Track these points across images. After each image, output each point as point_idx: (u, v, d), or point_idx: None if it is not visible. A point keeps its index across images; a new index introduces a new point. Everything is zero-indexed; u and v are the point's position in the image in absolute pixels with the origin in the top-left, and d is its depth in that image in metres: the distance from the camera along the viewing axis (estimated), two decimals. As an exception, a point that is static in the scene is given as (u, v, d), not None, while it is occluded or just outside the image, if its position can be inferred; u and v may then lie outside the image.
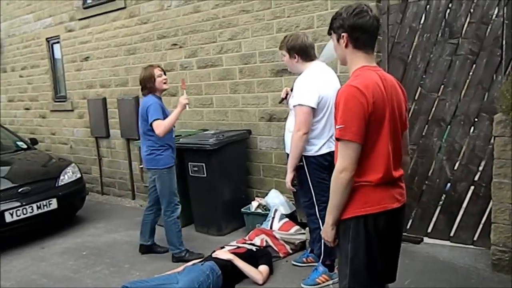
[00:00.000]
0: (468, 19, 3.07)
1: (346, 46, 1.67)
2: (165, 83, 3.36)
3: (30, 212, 3.99)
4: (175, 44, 4.71)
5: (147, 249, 3.62)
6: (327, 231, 1.71)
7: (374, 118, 1.58)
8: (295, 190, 2.90)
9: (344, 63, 1.77)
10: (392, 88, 1.68)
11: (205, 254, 3.20)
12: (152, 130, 3.22)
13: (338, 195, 1.61)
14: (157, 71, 3.32)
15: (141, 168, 5.20)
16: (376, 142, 1.60)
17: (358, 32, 1.63)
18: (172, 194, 3.36)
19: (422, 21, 3.24)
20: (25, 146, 5.26)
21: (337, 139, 1.61)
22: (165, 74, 3.40)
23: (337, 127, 1.60)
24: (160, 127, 3.18)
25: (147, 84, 3.32)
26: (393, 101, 1.65)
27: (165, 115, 3.28)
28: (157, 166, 3.32)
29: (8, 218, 3.84)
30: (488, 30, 2.99)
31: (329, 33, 1.76)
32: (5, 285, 3.27)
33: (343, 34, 1.66)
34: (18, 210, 3.92)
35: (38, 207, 4.05)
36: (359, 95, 1.55)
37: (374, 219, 1.64)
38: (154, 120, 3.20)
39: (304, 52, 2.77)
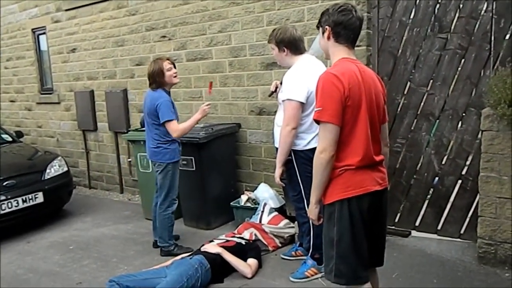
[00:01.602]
0: (457, 14, 3.08)
1: (328, 38, 1.83)
2: (175, 76, 3.28)
3: (16, 206, 3.92)
4: (164, 36, 4.64)
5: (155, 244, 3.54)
6: (311, 210, 1.85)
7: (350, 103, 1.69)
8: (284, 185, 2.89)
9: (327, 56, 1.92)
10: (370, 80, 1.80)
11: (194, 248, 3.18)
12: (161, 125, 3.18)
13: (319, 175, 1.73)
14: (166, 64, 3.22)
15: (130, 161, 5.15)
16: (354, 128, 1.72)
17: (339, 27, 1.79)
18: (172, 189, 3.32)
19: (412, 15, 3.24)
20: (10, 139, 5.16)
21: (316, 121, 1.73)
22: (175, 67, 3.31)
23: (315, 109, 1.73)
24: (177, 131, 3.16)
25: (156, 78, 3.21)
26: (370, 91, 1.77)
27: (175, 109, 3.27)
28: (162, 159, 3.27)
29: (-8, 212, 3.77)
30: (477, 25, 3.00)
31: (317, 27, 1.91)
32: (-11, 280, 3.21)
33: (326, 27, 1.82)
34: (3, 203, 3.85)
35: (24, 201, 3.98)
36: (336, 80, 1.68)
37: (357, 202, 1.74)
38: (168, 120, 3.14)
39: (293, 45, 2.75)
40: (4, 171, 4.11)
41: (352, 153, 1.72)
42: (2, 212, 3.84)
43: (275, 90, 2.99)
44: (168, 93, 3.31)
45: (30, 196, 4.02)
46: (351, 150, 1.72)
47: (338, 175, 1.74)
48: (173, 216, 3.39)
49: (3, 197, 3.86)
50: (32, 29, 6.17)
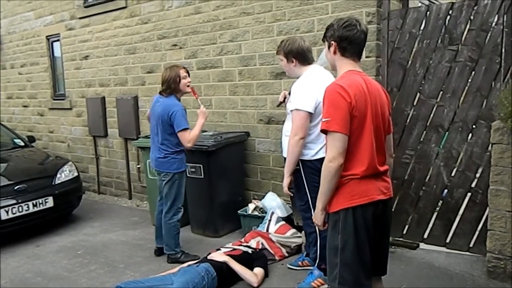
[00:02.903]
0: (468, 26, 3.08)
1: (335, 53, 1.89)
2: (188, 85, 3.31)
3: (26, 210, 3.97)
4: (175, 45, 4.71)
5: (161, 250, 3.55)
6: (317, 216, 1.89)
7: (357, 114, 1.74)
8: (292, 195, 2.90)
9: (333, 68, 1.98)
10: (376, 91, 1.85)
11: (201, 256, 3.18)
12: (173, 134, 3.18)
13: (327, 183, 1.77)
14: (182, 72, 3.26)
15: (139, 168, 5.20)
16: (359, 138, 1.76)
17: (345, 42, 1.85)
18: (178, 198, 3.33)
19: (422, 27, 3.25)
20: (22, 144, 5.24)
21: (324, 132, 1.76)
22: (189, 76, 3.36)
23: (323, 120, 1.77)
24: (191, 141, 3.17)
25: (172, 85, 3.22)
26: (376, 103, 1.82)
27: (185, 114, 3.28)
28: (169, 169, 3.25)
29: (3, 215, 3.82)
30: (488, 37, 3.00)
31: (323, 40, 1.97)
32: (-2, 283, 3.25)
33: (332, 42, 1.88)
34: (14, 207, 3.90)
35: (34, 205, 4.03)
36: (342, 91, 1.73)
37: (361, 210, 1.77)
38: (184, 129, 3.15)
39: (301, 56, 2.78)
40: (16, 175, 4.18)
41: (357, 162, 1.76)
42: (13, 215, 3.89)
43: (284, 100, 3.02)
44: (179, 100, 3.34)
45: (40, 200, 4.08)
46: (357, 160, 1.76)
47: (343, 184, 1.77)
48: (178, 224, 3.40)
49: (14, 201, 3.92)
50: (47, 36, 6.30)
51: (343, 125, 1.70)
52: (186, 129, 3.17)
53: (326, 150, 1.77)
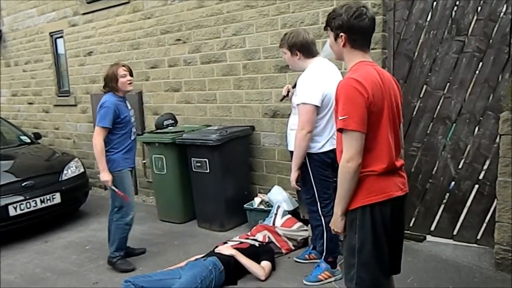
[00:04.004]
0: (475, 16, 3.03)
1: (344, 45, 1.74)
2: (130, 83, 3.17)
3: (34, 206, 4.00)
4: (178, 39, 4.69)
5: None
6: (336, 222, 1.75)
7: (374, 110, 1.63)
8: (299, 189, 2.89)
9: (339, 59, 1.86)
10: (389, 82, 1.76)
11: (208, 250, 3.20)
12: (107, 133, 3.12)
13: (346, 185, 1.65)
14: (121, 71, 3.13)
15: (144, 163, 5.21)
16: (377, 133, 1.66)
17: (357, 34, 1.71)
18: (123, 199, 3.16)
19: (428, 18, 3.21)
20: (28, 141, 5.27)
21: (341, 130, 1.65)
22: (131, 75, 3.20)
23: (339, 118, 1.64)
24: (94, 142, 3.07)
25: (109, 83, 3.14)
26: (390, 94, 1.73)
27: (123, 116, 3.13)
28: (109, 167, 3.12)
29: (12, 212, 3.85)
30: (496, 27, 2.96)
31: (325, 29, 1.82)
32: (9, 278, 3.29)
33: (341, 34, 1.72)
34: (22, 204, 3.93)
35: (42, 201, 4.06)
36: (359, 87, 1.60)
37: (379, 208, 1.69)
38: (100, 127, 3.06)
39: (306, 48, 2.75)
40: (23, 172, 4.21)
41: (376, 159, 1.66)
42: (21, 212, 3.92)
43: (287, 94, 3.00)
44: (122, 98, 3.20)
45: (47, 196, 4.10)
46: (375, 157, 1.66)
47: (360, 181, 1.67)
48: (128, 228, 3.26)
49: (21, 198, 3.94)
50: (50, 33, 6.30)
51: (361, 122, 1.59)
52: (102, 127, 3.06)
53: (339, 150, 1.68)
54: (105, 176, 3.07)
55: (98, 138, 3.10)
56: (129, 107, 3.30)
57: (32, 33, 6.60)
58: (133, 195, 3.29)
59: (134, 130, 3.30)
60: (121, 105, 3.18)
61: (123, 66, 3.21)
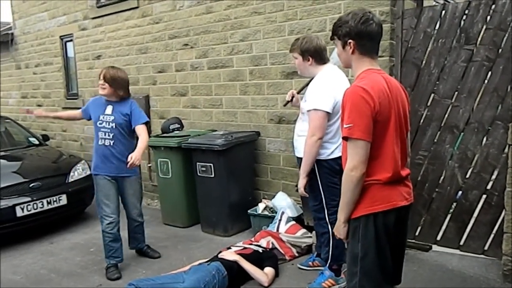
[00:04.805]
0: (485, 25, 3.02)
1: (353, 52, 1.73)
2: (101, 87, 3.21)
3: (41, 207, 4.03)
4: (186, 44, 4.73)
5: (139, 252, 3.60)
6: (339, 229, 1.76)
7: (380, 119, 1.62)
8: (307, 196, 2.86)
9: (347, 67, 1.84)
10: (396, 90, 1.74)
11: (211, 255, 3.19)
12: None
13: (349, 193, 1.65)
14: (101, 75, 3.21)
15: (149, 167, 5.23)
16: (383, 142, 1.65)
17: (365, 39, 1.70)
18: (97, 205, 3.25)
19: (437, 27, 3.20)
20: (36, 142, 5.33)
21: (345, 139, 1.65)
22: (105, 81, 3.17)
23: (345, 126, 1.63)
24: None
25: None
26: (398, 103, 1.72)
27: (93, 116, 3.24)
28: None
29: (19, 212, 3.89)
30: (506, 37, 2.94)
31: (332, 39, 1.82)
32: (14, 278, 3.31)
33: (349, 41, 1.71)
34: (29, 205, 3.96)
35: (48, 203, 4.09)
36: (366, 95, 1.60)
37: (383, 217, 1.68)
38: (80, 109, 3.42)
39: (318, 54, 2.75)
40: (31, 173, 4.25)
41: (381, 168, 1.65)
42: (28, 213, 3.95)
43: (291, 100, 3.00)
44: (107, 102, 3.24)
45: (54, 198, 4.13)
46: (380, 165, 1.65)
47: (365, 189, 1.66)
48: (109, 235, 3.21)
49: (29, 199, 3.98)
50: (60, 36, 6.38)
51: (367, 131, 1.59)
52: (79, 108, 3.42)
53: (347, 157, 1.65)
54: (39, 111, 3.51)
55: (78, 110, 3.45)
56: (110, 113, 3.18)
57: (43, 36, 6.69)
58: (109, 206, 3.19)
59: (102, 135, 3.16)
60: (97, 106, 3.26)
61: (108, 70, 3.20)
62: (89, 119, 3.33)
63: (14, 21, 7.27)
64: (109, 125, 3.16)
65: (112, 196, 3.21)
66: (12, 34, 7.28)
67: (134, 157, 3.01)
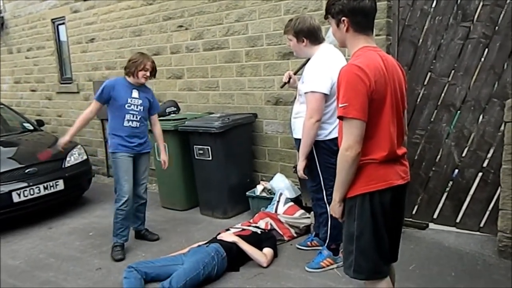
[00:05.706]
0: (482, 2, 2.98)
1: (347, 30, 1.70)
2: (145, 78, 3.33)
3: (37, 193, 4.03)
4: (181, 26, 4.65)
5: (137, 234, 3.61)
6: (334, 208, 1.76)
7: (376, 97, 1.60)
8: (306, 178, 2.84)
9: (343, 46, 1.80)
10: (393, 68, 1.71)
11: (210, 237, 3.21)
12: (110, 115, 3.36)
13: (344, 173, 1.64)
14: (147, 67, 3.29)
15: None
16: (379, 121, 1.63)
17: (359, 16, 1.66)
18: (117, 181, 3.29)
19: (434, 4, 3.16)
20: (31, 128, 5.28)
21: (341, 118, 1.63)
22: (153, 75, 3.40)
23: (340, 105, 1.61)
24: (82, 112, 3.41)
25: (128, 68, 3.34)
26: (394, 81, 1.69)
27: (118, 99, 3.25)
28: (109, 148, 3.41)
29: (15, 198, 3.88)
30: (503, 13, 2.90)
31: (326, 18, 1.78)
32: (13, 263, 3.32)
33: (343, 18, 1.68)
34: (26, 190, 3.95)
35: (45, 188, 4.08)
36: (361, 74, 1.57)
37: (379, 196, 1.67)
38: (94, 99, 3.37)
39: (312, 35, 2.70)
40: (26, 159, 4.22)
41: (376, 147, 1.64)
42: (25, 198, 3.95)
43: (288, 81, 2.96)
44: (131, 85, 3.34)
45: (51, 183, 4.12)
46: (376, 145, 1.64)
47: (360, 168, 1.65)
48: (121, 214, 3.25)
49: (25, 184, 3.97)
50: (52, 19, 6.25)
51: (362, 110, 1.56)
52: (94, 99, 3.35)
53: (342, 137, 1.64)
54: (62, 140, 3.40)
55: (87, 108, 3.37)
56: (137, 96, 3.33)
57: (34, 19, 6.55)
58: (128, 182, 3.25)
59: (131, 117, 3.29)
60: (123, 88, 3.30)
61: (152, 62, 3.36)
62: (104, 103, 3.31)
63: (3, 4, 7.10)
64: (137, 108, 3.32)
65: (131, 172, 3.33)
66: (2, 17, 7.12)
67: (166, 160, 3.59)
